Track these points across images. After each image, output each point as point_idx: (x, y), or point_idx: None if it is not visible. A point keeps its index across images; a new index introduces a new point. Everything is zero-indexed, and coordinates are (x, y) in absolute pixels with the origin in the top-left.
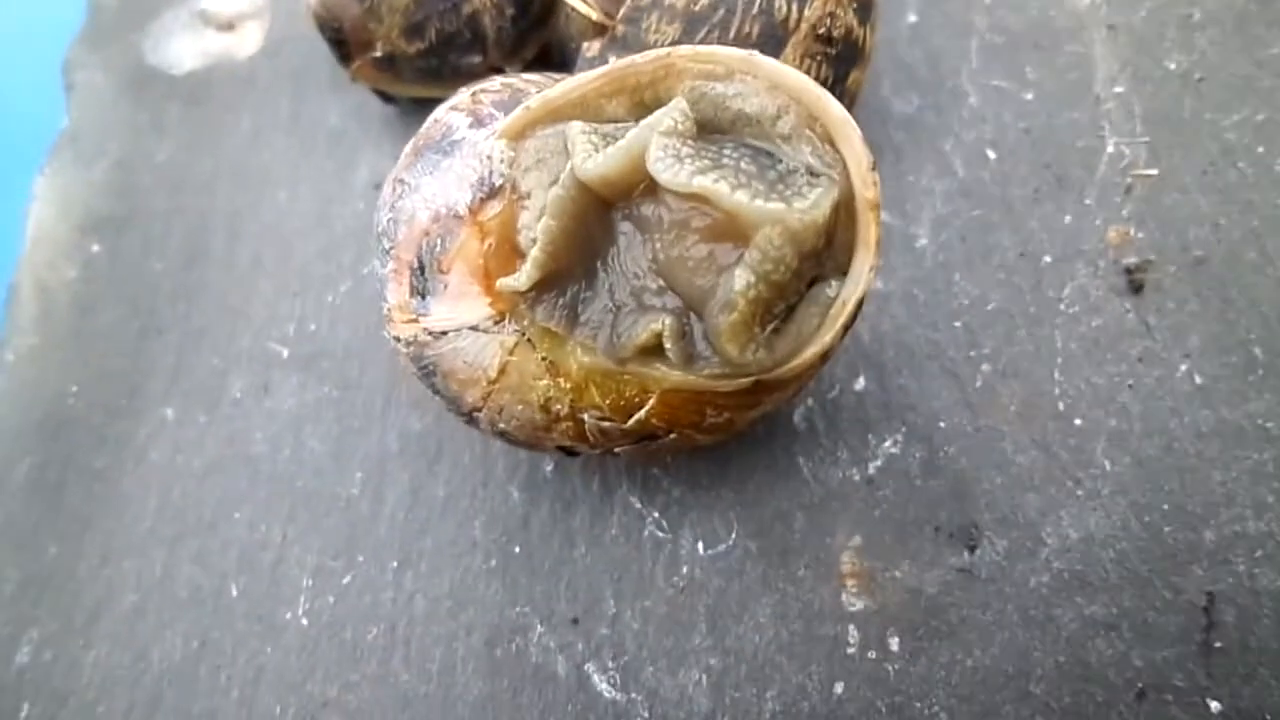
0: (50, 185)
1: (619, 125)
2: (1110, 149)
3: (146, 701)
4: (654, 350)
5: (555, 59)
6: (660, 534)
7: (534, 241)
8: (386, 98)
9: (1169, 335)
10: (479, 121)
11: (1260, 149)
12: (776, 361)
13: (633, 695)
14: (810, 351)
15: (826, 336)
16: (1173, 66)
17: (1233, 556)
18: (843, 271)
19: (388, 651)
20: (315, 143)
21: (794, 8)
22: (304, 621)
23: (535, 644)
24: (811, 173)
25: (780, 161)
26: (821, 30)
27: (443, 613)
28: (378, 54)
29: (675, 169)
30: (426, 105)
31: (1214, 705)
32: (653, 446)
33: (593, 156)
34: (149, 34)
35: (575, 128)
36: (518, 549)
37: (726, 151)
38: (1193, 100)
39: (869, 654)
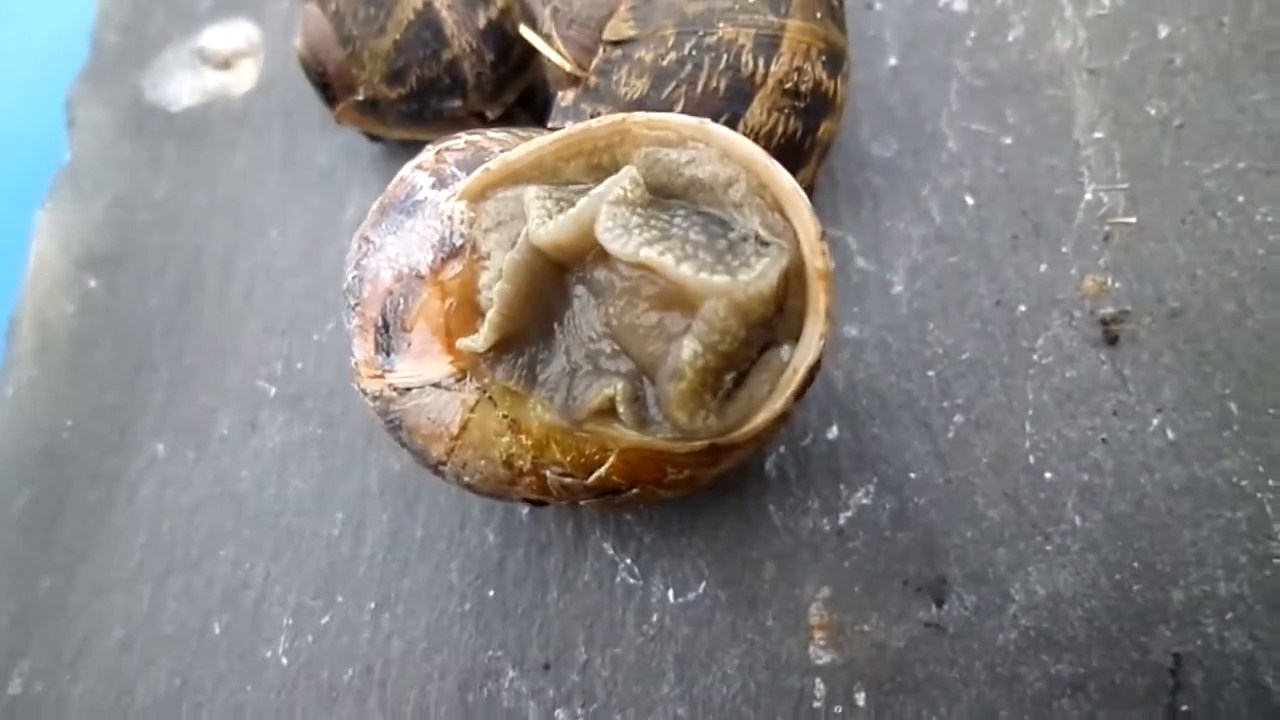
0: (51, 220)
1: (575, 189)
2: (1089, 196)
3: None
4: (609, 412)
5: (537, 102)
6: (632, 580)
7: (492, 303)
8: (373, 137)
9: (1143, 388)
10: (441, 181)
11: (1240, 198)
12: (728, 427)
13: None
14: (761, 417)
15: (777, 403)
16: (1153, 112)
17: (1202, 618)
18: (796, 336)
19: (363, 693)
20: (306, 181)
21: (760, 63)
22: (284, 661)
23: (507, 689)
24: (761, 241)
25: (731, 229)
26: (789, 85)
27: (418, 655)
28: (360, 97)
29: (623, 239)
30: (413, 146)
31: None
32: (616, 500)
33: (545, 223)
34: (149, 71)
35: (530, 192)
36: (492, 593)
37: (677, 220)
38: (1172, 147)
39: (835, 708)
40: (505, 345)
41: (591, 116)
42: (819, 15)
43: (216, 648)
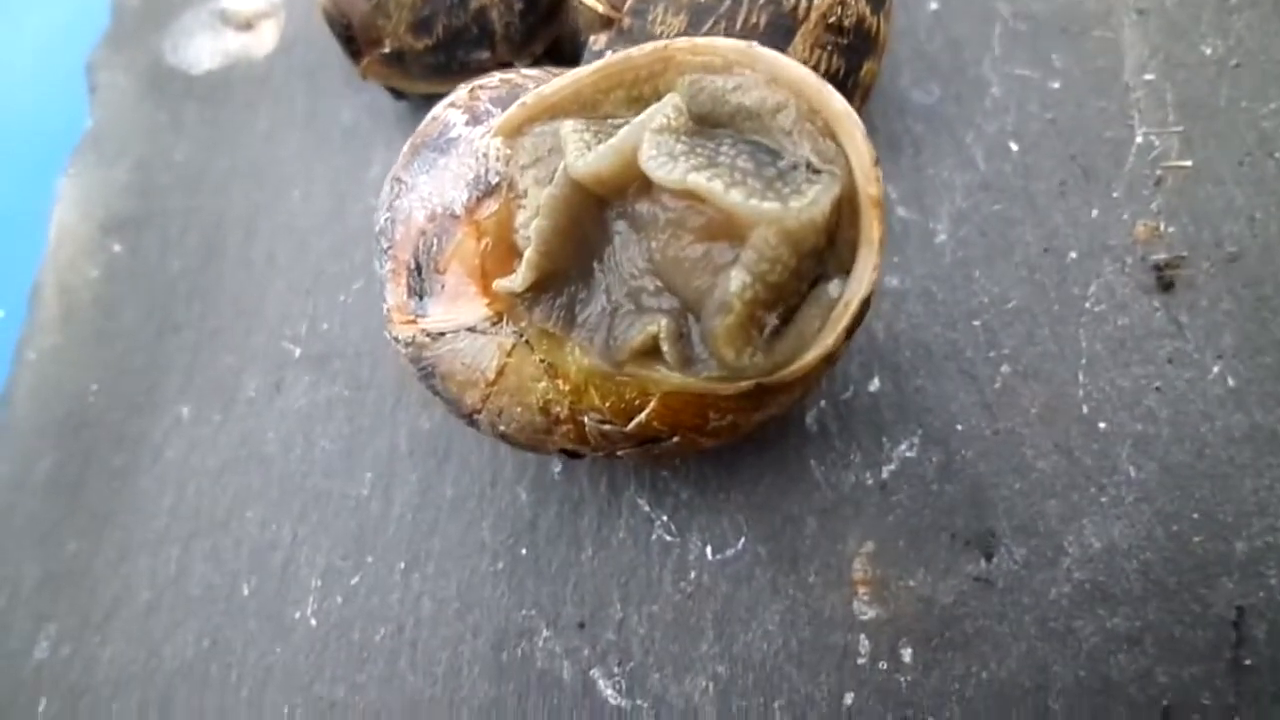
0: (74, 186)
1: (615, 122)
2: (1140, 139)
3: (159, 699)
4: (651, 352)
5: (565, 54)
6: (668, 537)
7: (530, 241)
8: (398, 94)
9: (1201, 335)
10: (475, 119)
11: None
12: (776, 365)
13: (638, 702)
14: (812, 355)
15: (829, 339)
16: (1208, 52)
17: (1265, 569)
18: (846, 270)
19: (395, 653)
20: (329, 140)
21: None
22: (312, 622)
23: (541, 648)
24: (812, 168)
25: (780, 157)
26: (832, 19)
27: (450, 614)
28: (386, 50)
29: (669, 166)
30: (438, 101)
31: None
32: (656, 450)
33: (584, 155)
34: (169, 34)
35: (568, 126)
36: (525, 551)
37: (724, 148)
38: (1228, 88)
39: (880, 664)
40: (543, 285)
41: None
42: None
43: (245, 609)
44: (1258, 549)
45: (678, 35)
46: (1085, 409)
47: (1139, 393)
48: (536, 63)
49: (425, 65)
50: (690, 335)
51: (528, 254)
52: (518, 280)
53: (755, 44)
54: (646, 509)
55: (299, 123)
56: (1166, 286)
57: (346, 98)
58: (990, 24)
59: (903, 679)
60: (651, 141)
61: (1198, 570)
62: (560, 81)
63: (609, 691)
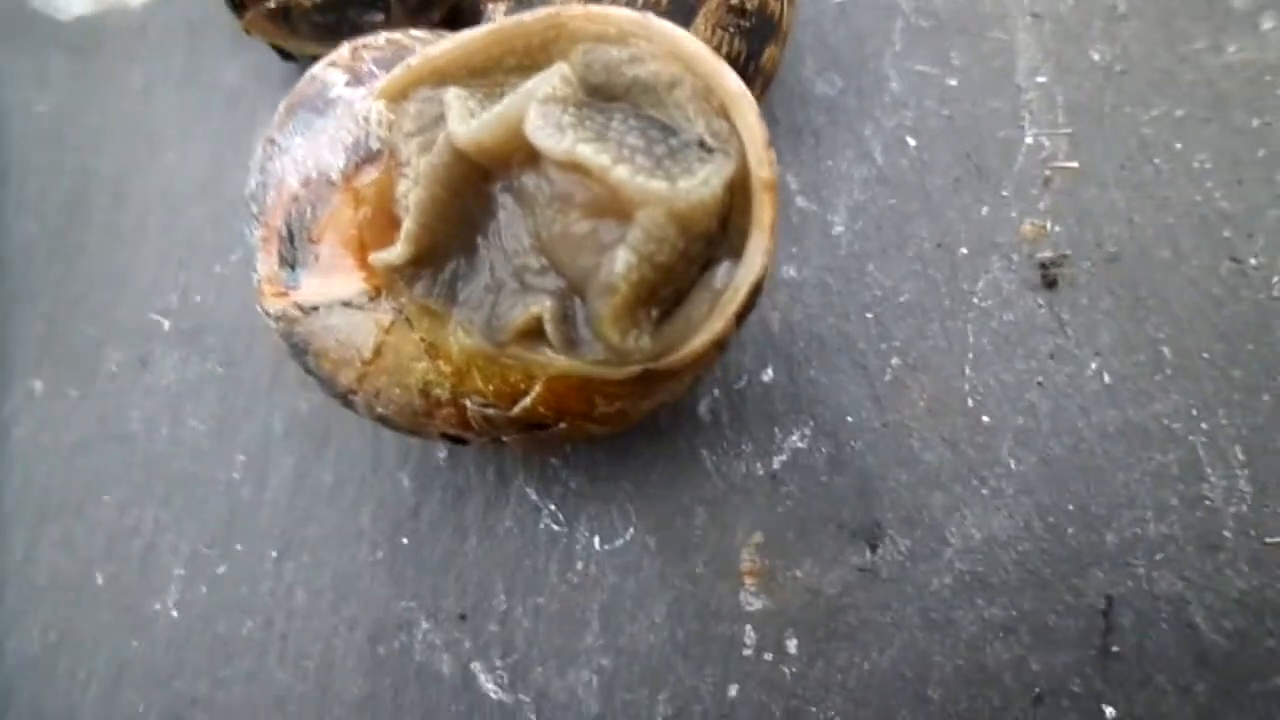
0: None
1: (501, 88)
2: (1030, 140)
3: None
4: (535, 334)
5: (465, 25)
6: (556, 527)
7: (409, 212)
8: (286, 55)
9: (1080, 332)
10: (358, 79)
11: (1178, 145)
12: (663, 350)
13: (520, 696)
14: (700, 340)
15: (718, 324)
16: (1096, 58)
17: (1133, 560)
18: (738, 255)
19: (263, 646)
20: (211, 102)
21: None
22: (174, 613)
23: (420, 641)
24: (705, 147)
25: (674, 135)
26: (734, 1)
27: (324, 606)
28: (271, 4)
29: (555, 138)
30: None
31: (1109, 711)
32: (543, 436)
33: (467, 121)
34: None
35: (452, 92)
36: (406, 540)
37: (614, 123)
38: (1114, 93)
39: (765, 656)
40: (423, 259)
41: None
42: None
43: (98, 600)
44: (1126, 540)
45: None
46: (971, 402)
47: (1021, 387)
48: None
49: (314, 24)
50: (575, 317)
51: (406, 225)
52: (396, 253)
53: (651, 15)
54: (534, 498)
55: (177, 80)
56: (1050, 284)
57: (231, 57)
58: (892, 18)
59: (787, 670)
60: (538, 111)
61: (1071, 561)
62: (447, 44)
63: (490, 685)
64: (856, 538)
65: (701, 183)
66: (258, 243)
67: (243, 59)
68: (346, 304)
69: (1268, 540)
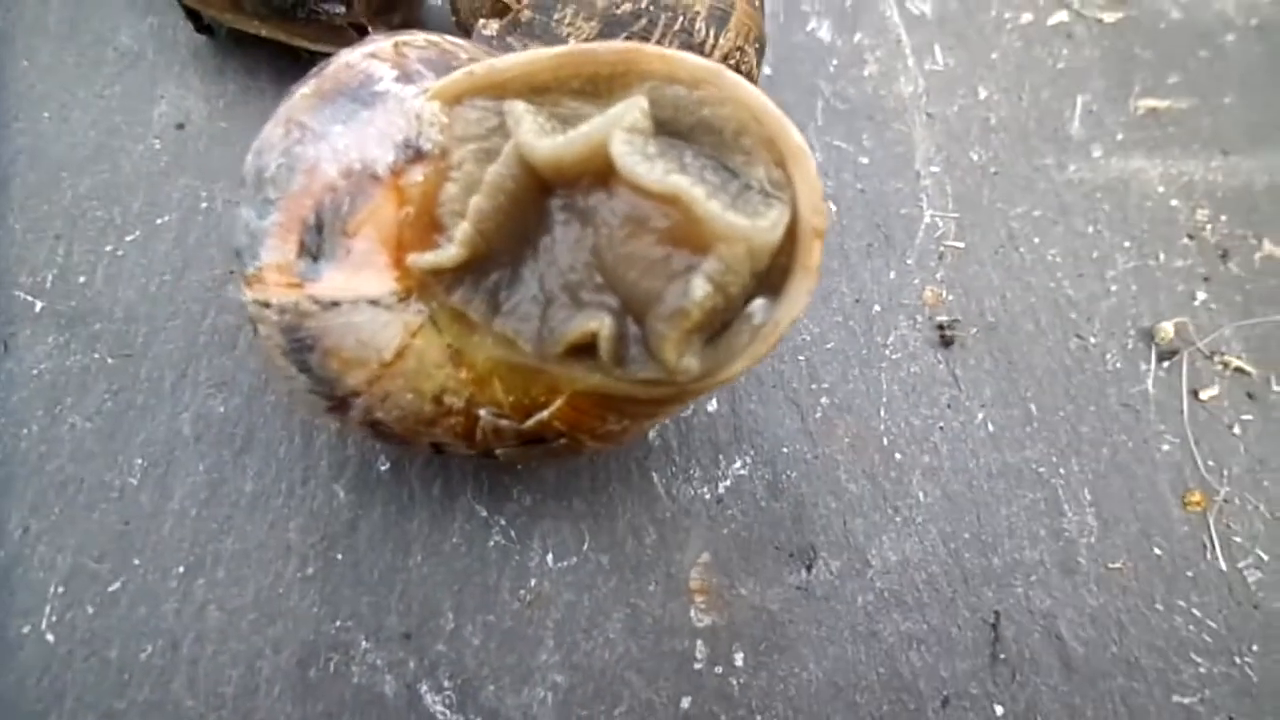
0: None
1: (564, 110)
2: (927, 219)
3: None
4: (584, 348)
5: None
6: (507, 544)
7: (456, 217)
8: (203, 26)
9: (970, 387)
10: (407, 76)
11: (1036, 239)
12: (705, 373)
13: (471, 716)
14: (738, 366)
15: (759, 351)
16: (975, 158)
17: (1013, 580)
18: (772, 292)
19: (167, 673)
20: (98, 62)
21: (711, 34)
22: (49, 637)
23: (358, 662)
24: (764, 193)
25: (736, 176)
26: (731, 62)
27: (243, 627)
28: None
29: (647, 165)
30: (250, 43)
31: (998, 709)
32: (536, 451)
33: (547, 137)
34: None
35: (520, 106)
36: (341, 555)
37: (688, 158)
38: (989, 189)
39: (715, 669)
40: (471, 265)
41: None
42: (757, 4)
43: None
44: (1008, 564)
45: (587, 40)
46: (885, 441)
47: (927, 430)
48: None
49: (266, 3)
50: (628, 335)
51: (463, 230)
52: (448, 255)
53: (724, 67)
54: (484, 514)
55: (52, 32)
56: (947, 344)
57: (124, 15)
58: (814, 98)
59: (735, 681)
60: (623, 138)
61: (966, 581)
62: (515, 58)
63: (438, 706)
64: (794, 559)
65: (773, 225)
66: (268, 227)
67: (136, 19)
68: (373, 302)
69: (1110, 565)
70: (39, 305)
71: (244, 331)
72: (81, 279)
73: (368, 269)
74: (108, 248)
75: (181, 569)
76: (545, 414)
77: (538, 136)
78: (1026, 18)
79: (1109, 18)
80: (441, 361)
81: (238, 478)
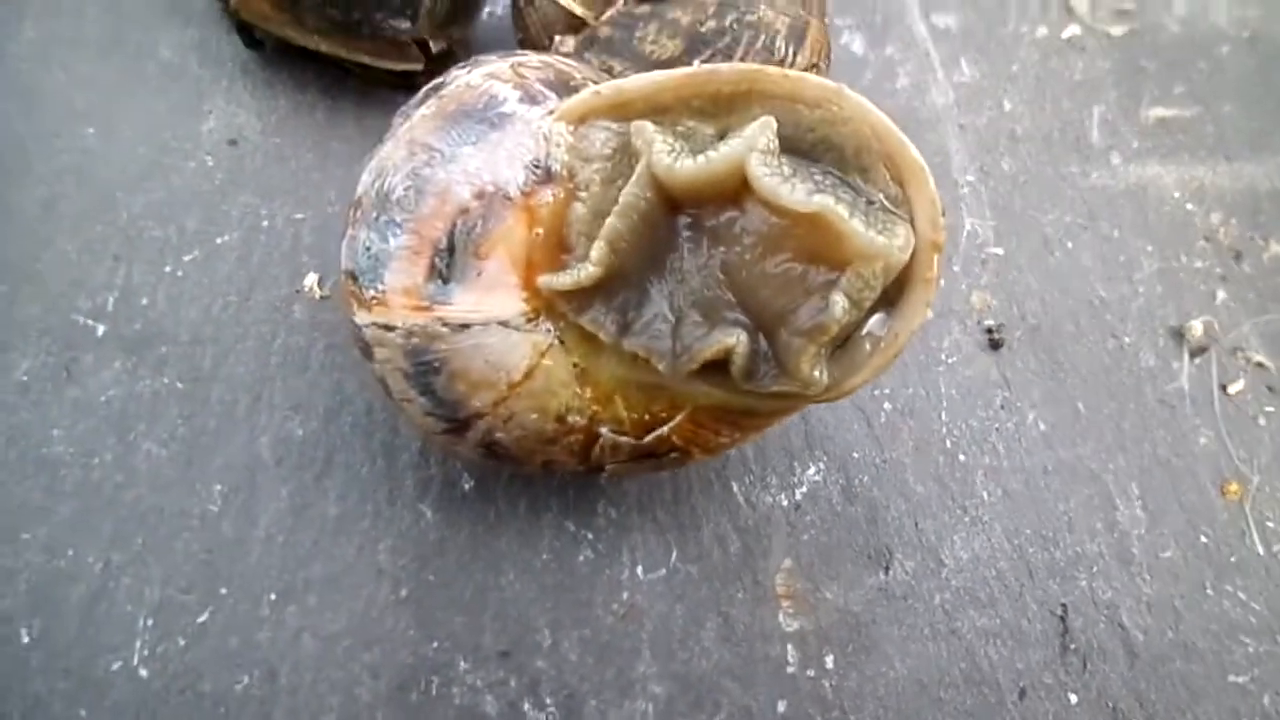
0: None
1: (684, 129)
2: (969, 227)
3: None
4: (714, 365)
5: (476, 49)
6: (596, 558)
7: (584, 237)
8: (254, 41)
9: (1020, 388)
10: (530, 97)
11: (1069, 244)
12: (830, 385)
13: None
14: (861, 377)
15: (880, 362)
16: (1005, 168)
17: (1076, 573)
18: (890, 304)
19: (266, 704)
20: (141, 75)
21: (790, 50)
22: (142, 673)
23: (459, 683)
24: (885, 209)
25: (860, 194)
26: None
27: (339, 653)
28: None
29: (788, 187)
30: (297, 57)
31: (1072, 698)
32: (644, 465)
33: (682, 159)
34: None
35: (650, 127)
36: (433, 577)
37: (816, 175)
38: (1021, 197)
39: (808, 672)
40: (603, 285)
41: (602, 69)
42: (825, 20)
43: (26, 663)
44: (1070, 557)
45: (671, 58)
46: (948, 443)
47: (985, 432)
48: (450, 50)
49: (329, 18)
50: (760, 351)
51: (599, 250)
52: (585, 275)
53: (845, 87)
54: (572, 529)
55: (92, 44)
56: (996, 347)
57: (164, 27)
58: None
59: (828, 684)
60: (760, 159)
61: (1033, 575)
62: (640, 78)
63: None
64: (871, 560)
65: (906, 242)
66: (397, 250)
67: (177, 30)
68: (504, 323)
69: (1161, 555)
70: (101, 329)
71: (314, 352)
72: (144, 301)
73: (499, 290)
74: (167, 268)
75: (272, 596)
76: (665, 429)
77: (673, 158)
78: (1042, 31)
79: (1116, 31)
80: (567, 380)
81: (321, 501)
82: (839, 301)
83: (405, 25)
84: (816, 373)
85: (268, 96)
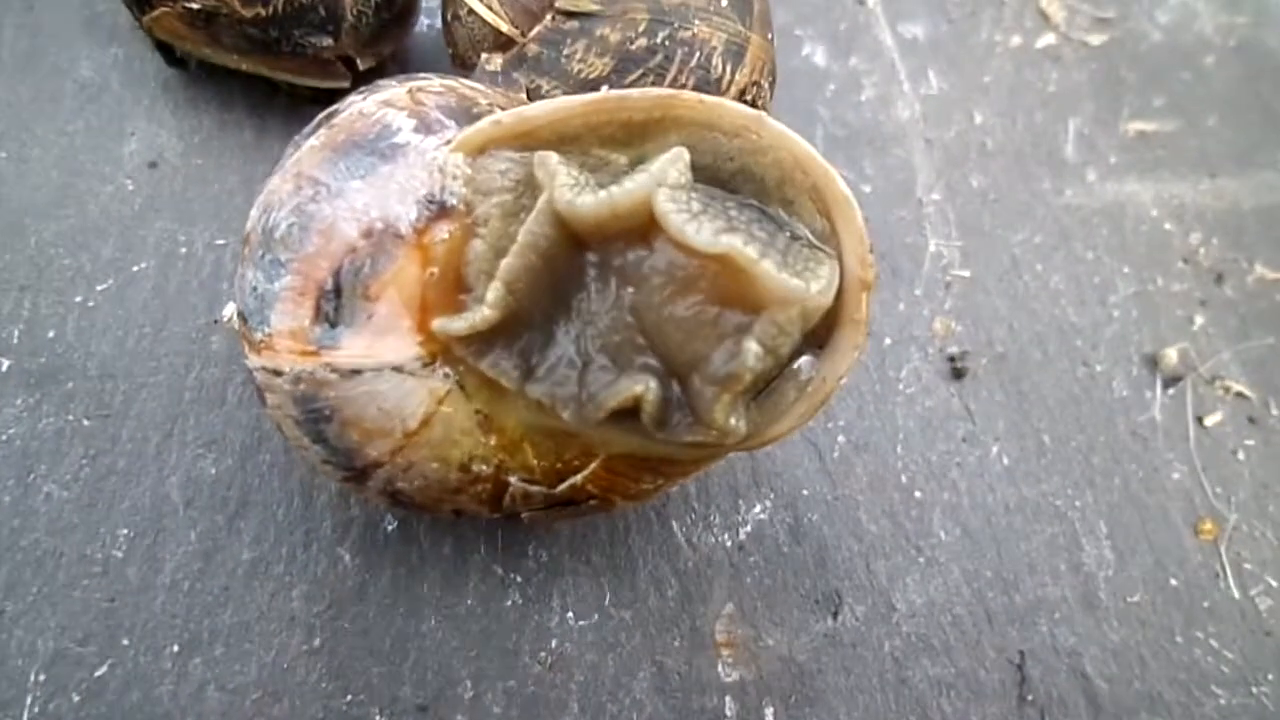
0: None
1: (594, 159)
2: (932, 248)
3: None
4: (626, 413)
5: (410, 64)
6: (525, 603)
7: (484, 276)
8: (175, 59)
9: (984, 420)
10: (426, 126)
11: (1039, 266)
12: (751, 434)
13: None
14: (785, 425)
15: (805, 411)
16: (975, 184)
17: (1036, 619)
18: (817, 346)
19: None
20: (57, 95)
21: (728, 69)
22: None
23: None
24: (810, 245)
25: (783, 229)
26: (748, 97)
27: (247, 707)
28: (195, 6)
29: (695, 225)
30: (223, 74)
31: None
32: (564, 513)
33: (587, 194)
34: None
35: (554, 158)
36: (349, 624)
37: (732, 210)
38: (990, 216)
39: None
40: (502, 329)
41: (529, 87)
42: (769, 36)
43: None
44: (1031, 602)
45: (599, 77)
46: (904, 478)
47: (944, 466)
48: (379, 67)
49: (246, 37)
50: (672, 399)
51: (495, 291)
52: (480, 318)
53: (765, 115)
54: (500, 572)
55: (5, 63)
56: (959, 375)
57: (84, 46)
58: (814, 125)
59: None
60: (668, 195)
61: (991, 621)
62: (544, 105)
63: None
64: (820, 605)
65: (827, 286)
66: (279, 292)
67: (97, 49)
68: (397, 369)
69: (1129, 599)
70: (4, 364)
71: (231, 386)
72: (51, 334)
73: (391, 334)
74: (78, 298)
75: (176, 647)
76: (579, 478)
77: (575, 193)
78: (1016, 40)
79: (1094, 40)
80: (469, 428)
81: (234, 544)
82: (752, 349)
83: (327, 42)
84: (733, 421)
85: (190, 115)
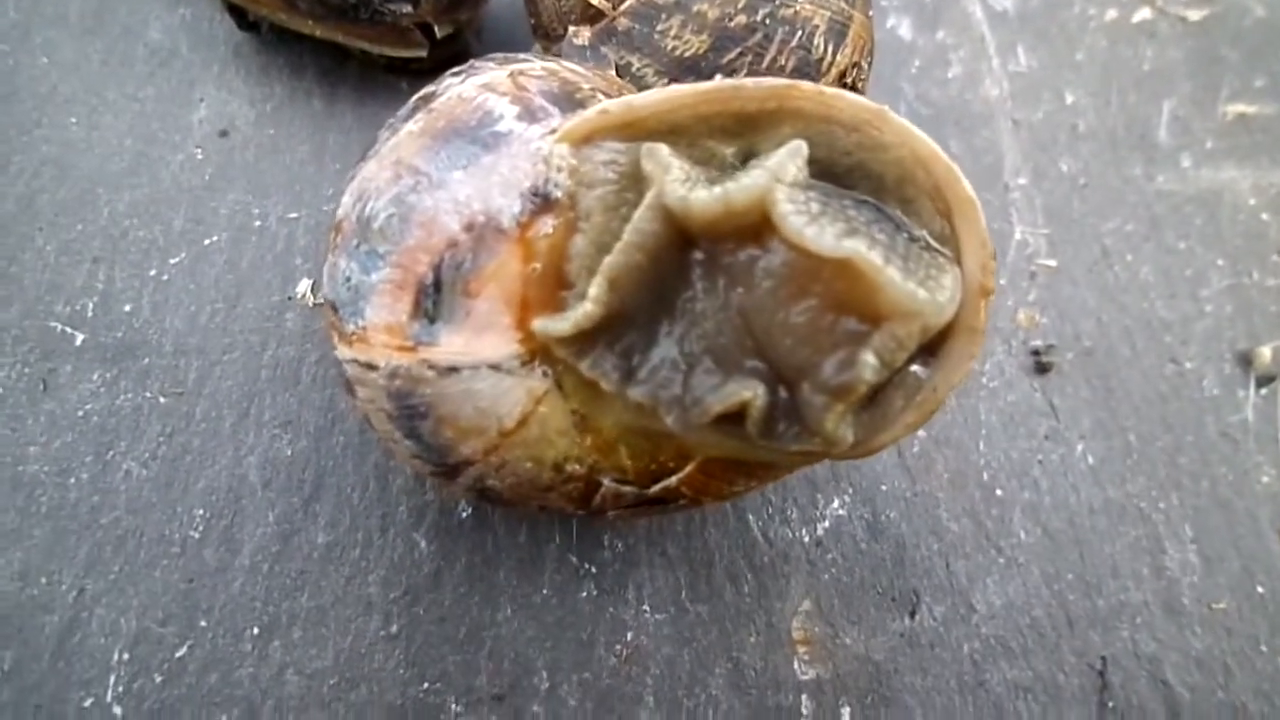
0: None
1: (702, 151)
2: (1018, 235)
3: None
4: (731, 418)
5: (486, 32)
6: (600, 595)
7: (585, 272)
8: (247, 23)
9: (1068, 417)
10: (530, 114)
11: (1129, 256)
12: (859, 442)
13: None
14: (892, 434)
15: (914, 419)
16: (1064, 168)
17: (1119, 624)
18: (929, 352)
19: None
20: (129, 59)
21: (829, 49)
22: (116, 710)
23: None
24: (929, 247)
25: (901, 230)
26: (848, 79)
27: (325, 691)
28: None
29: (816, 228)
30: (294, 38)
31: None
32: (652, 511)
33: (698, 189)
34: None
35: (664, 150)
36: (425, 611)
37: (850, 210)
38: (1079, 202)
39: None
40: (605, 328)
41: (619, 64)
42: (870, 14)
43: None
44: (1113, 606)
45: (695, 55)
46: (985, 476)
47: (1026, 464)
48: (458, 33)
49: (323, 2)
50: (779, 405)
51: (596, 288)
52: (582, 315)
53: (888, 109)
54: (575, 562)
55: (74, 25)
56: (1043, 370)
57: (153, 7)
58: (897, 101)
59: None
60: (786, 194)
61: (1071, 625)
62: (654, 94)
63: None
64: (897, 604)
65: (952, 296)
66: (377, 284)
67: (166, 10)
68: (495, 367)
69: (1214, 606)
70: (80, 337)
71: (306, 365)
72: (127, 307)
73: (490, 331)
74: (151, 272)
75: (255, 630)
76: (673, 480)
77: (688, 188)
78: (1111, 14)
79: (1193, 15)
80: (565, 428)
81: (310, 528)
82: (869, 362)
83: (407, 8)
84: (842, 431)
85: (262, 83)
